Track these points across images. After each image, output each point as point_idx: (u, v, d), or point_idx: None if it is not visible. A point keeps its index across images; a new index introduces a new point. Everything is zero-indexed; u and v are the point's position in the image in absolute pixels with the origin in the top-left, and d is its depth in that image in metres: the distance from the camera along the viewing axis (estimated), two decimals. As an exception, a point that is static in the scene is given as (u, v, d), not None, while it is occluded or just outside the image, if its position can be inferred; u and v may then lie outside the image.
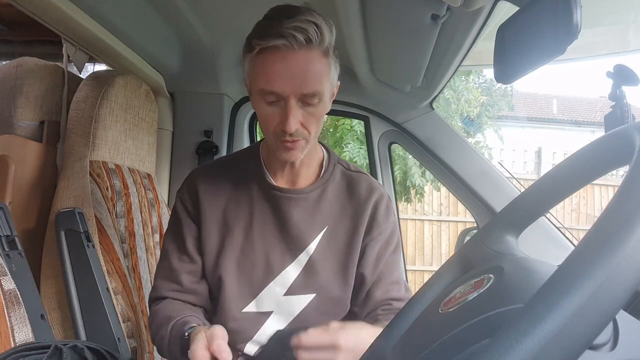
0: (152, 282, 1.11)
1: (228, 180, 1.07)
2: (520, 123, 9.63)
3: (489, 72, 6.26)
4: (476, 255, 0.60)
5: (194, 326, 0.91)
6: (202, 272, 1.05)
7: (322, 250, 1.03)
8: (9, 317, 0.84)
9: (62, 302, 1.23)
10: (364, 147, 4.64)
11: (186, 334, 0.90)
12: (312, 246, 1.03)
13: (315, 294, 1.03)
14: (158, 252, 1.54)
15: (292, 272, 1.03)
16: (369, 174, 1.15)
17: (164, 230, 1.16)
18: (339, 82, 1.01)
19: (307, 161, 1.05)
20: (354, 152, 4.94)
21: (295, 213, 1.04)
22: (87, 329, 1.20)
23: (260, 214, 1.05)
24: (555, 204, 0.57)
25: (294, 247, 1.03)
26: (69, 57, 1.52)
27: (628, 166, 0.39)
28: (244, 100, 1.89)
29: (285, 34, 0.85)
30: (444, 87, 1.59)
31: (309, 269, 1.02)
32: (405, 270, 1.83)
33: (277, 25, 0.87)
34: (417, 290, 0.65)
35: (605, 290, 0.31)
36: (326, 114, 1.03)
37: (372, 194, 1.07)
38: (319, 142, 1.10)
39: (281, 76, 0.88)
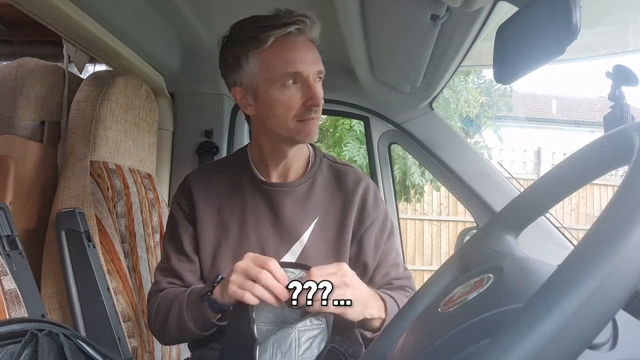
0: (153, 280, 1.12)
1: (221, 180, 1.12)
2: (520, 123, 9.61)
3: (489, 73, 6.26)
4: (476, 255, 0.60)
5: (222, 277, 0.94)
6: (201, 272, 1.08)
7: (315, 240, 1.07)
8: (10, 316, 0.84)
9: (62, 301, 1.24)
10: (364, 146, 4.63)
11: (218, 278, 0.94)
12: (305, 236, 1.07)
13: None
14: (158, 252, 1.55)
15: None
16: (356, 168, 1.19)
17: (164, 230, 1.17)
18: None
19: (298, 155, 1.10)
20: (354, 152, 4.93)
21: (287, 205, 1.08)
22: (87, 329, 1.20)
23: (254, 209, 1.08)
24: (554, 204, 0.57)
25: (287, 238, 1.07)
26: (69, 57, 1.52)
27: (627, 166, 0.39)
28: (244, 100, 1.89)
29: (292, 22, 0.96)
30: (443, 88, 1.59)
31: (303, 258, 1.06)
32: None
33: (277, 19, 0.97)
34: (417, 290, 0.65)
35: (605, 290, 0.31)
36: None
37: (359, 184, 1.12)
38: None
39: (300, 58, 0.98)
